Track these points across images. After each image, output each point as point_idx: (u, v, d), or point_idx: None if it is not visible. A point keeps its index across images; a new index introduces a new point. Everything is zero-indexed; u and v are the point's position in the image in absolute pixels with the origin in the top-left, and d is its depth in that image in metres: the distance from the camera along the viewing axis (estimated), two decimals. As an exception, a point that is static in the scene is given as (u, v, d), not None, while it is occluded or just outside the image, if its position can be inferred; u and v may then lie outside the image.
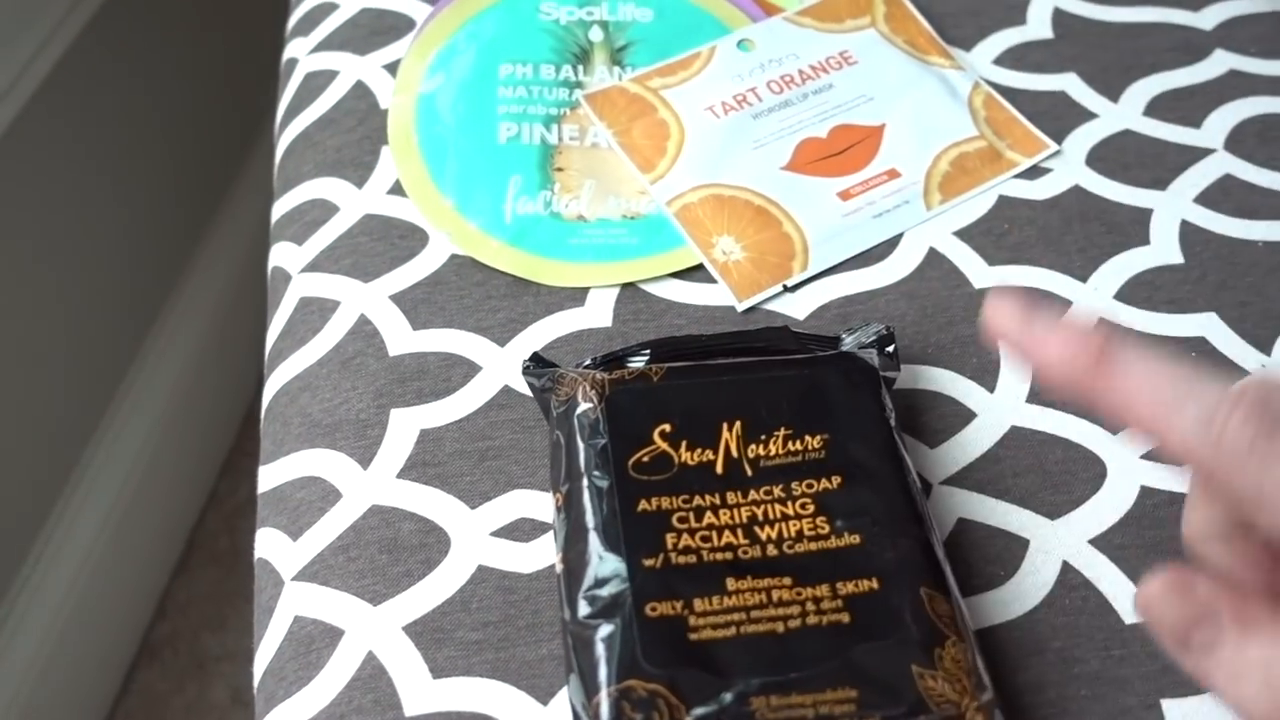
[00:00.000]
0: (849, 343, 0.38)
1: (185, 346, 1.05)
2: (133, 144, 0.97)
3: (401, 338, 0.41)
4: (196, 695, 0.96)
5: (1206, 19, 0.50)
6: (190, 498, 1.07)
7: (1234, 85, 0.48)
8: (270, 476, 0.40)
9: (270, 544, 0.38)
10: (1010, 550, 0.36)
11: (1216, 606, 0.25)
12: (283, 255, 0.46)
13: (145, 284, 1.00)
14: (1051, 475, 0.38)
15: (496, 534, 0.37)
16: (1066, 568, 0.35)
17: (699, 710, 0.28)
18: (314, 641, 0.35)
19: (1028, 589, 0.35)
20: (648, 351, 0.37)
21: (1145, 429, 0.24)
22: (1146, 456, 0.38)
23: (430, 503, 0.37)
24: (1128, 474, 0.37)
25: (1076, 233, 0.43)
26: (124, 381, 0.98)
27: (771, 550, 0.31)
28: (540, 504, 0.37)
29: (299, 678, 0.35)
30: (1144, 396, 0.24)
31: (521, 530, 0.37)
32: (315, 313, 0.43)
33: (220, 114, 1.09)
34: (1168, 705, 0.33)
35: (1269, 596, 0.25)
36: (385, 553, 0.36)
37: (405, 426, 0.39)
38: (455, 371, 0.40)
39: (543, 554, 0.36)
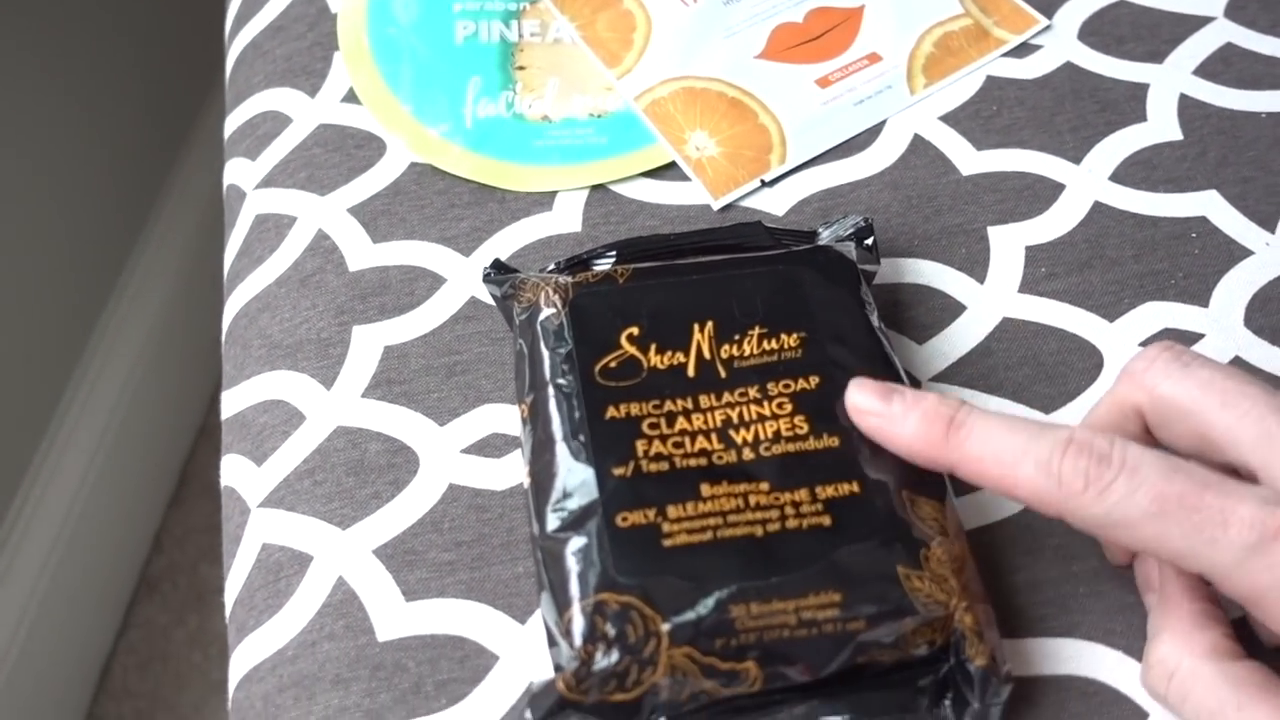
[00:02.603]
0: (826, 236, 0.36)
1: (165, 278, 1.03)
2: (99, 71, 0.94)
3: (361, 252, 0.39)
4: (197, 627, 0.96)
5: (1205, -121, 0.47)
6: (180, 431, 1.06)
7: (1234, -52, 0.45)
8: (232, 401, 0.38)
9: (235, 471, 0.37)
10: (1003, 446, 0.34)
11: (1156, 583, 0.30)
12: (236, 172, 0.44)
13: (121, 211, 0.98)
14: (1046, 367, 0.36)
15: (467, 451, 0.35)
16: (1062, 461, 0.34)
17: (676, 620, 0.27)
18: (282, 569, 0.34)
19: (1022, 485, 0.34)
20: (614, 253, 0.35)
21: (996, 486, 0.28)
22: (1145, 343, 0.36)
23: (397, 421, 0.36)
24: (1126, 362, 0.36)
25: (1069, 112, 0.41)
26: (103, 316, 0.97)
27: (748, 454, 0.30)
28: (512, 418, 0.36)
29: (269, 606, 0.34)
30: (990, 459, 0.27)
31: (493, 446, 0.35)
32: (271, 230, 0.41)
33: (187, 36, 1.05)
34: (1168, 598, 0.32)
35: (1193, 580, 0.29)
36: (352, 475, 0.35)
37: (368, 344, 0.37)
38: (419, 285, 0.39)
39: (515, 470, 0.35)
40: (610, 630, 0.27)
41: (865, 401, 0.29)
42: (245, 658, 0.33)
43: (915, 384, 0.36)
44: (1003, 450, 0.27)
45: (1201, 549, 0.25)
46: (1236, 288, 0.37)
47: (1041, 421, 0.28)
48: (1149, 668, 0.28)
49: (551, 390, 0.31)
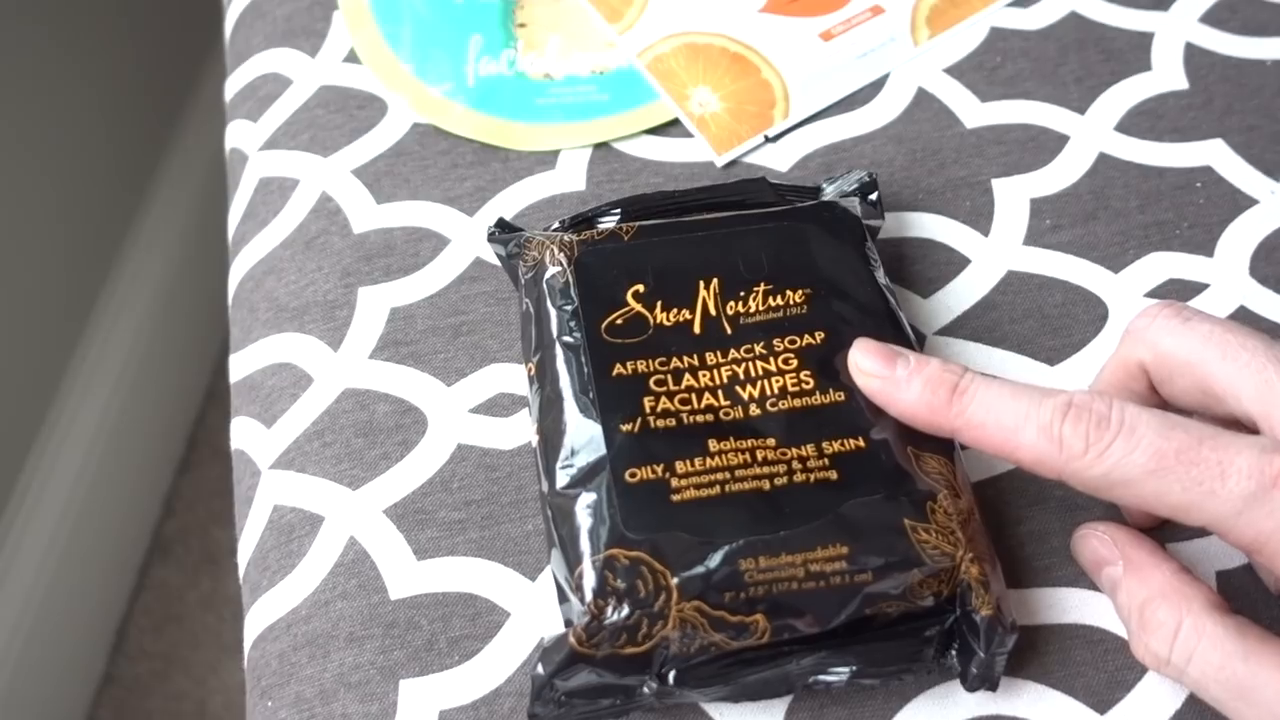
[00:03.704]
0: (830, 192, 0.36)
1: (169, 243, 1.03)
2: (97, 35, 0.93)
3: (366, 213, 0.39)
4: (210, 589, 0.97)
5: None
6: (189, 395, 1.06)
7: (1241, -107, 0.44)
8: (241, 365, 0.38)
9: (245, 433, 0.37)
10: (1008, 398, 0.35)
11: (1113, 554, 0.30)
12: (238, 135, 0.44)
13: (124, 177, 0.98)
14: (1051, 319, 0.36)
15: (475, 410, 0.35)
16: (1067, 413, 0.34)
17: (685, 574, 0.27)
18: (294, 530, 0.34)
19: (1027, 437, 0.34)
20: (618, 211, 0.35)
21: (999, 451, 0.28)
22: (1151, 294, 0.36)
23: (405, 382, 0.36)
24: (1131, 312, 0.36)
25: (1073, 62, 0.41)
26: (109, 281, 0.97)
27: (754, 410, 0.30)
28: (519, 378, 0.36)
29: (282, 566, 0.34)
30: (992, 425, 0.28)
31: (501, 405, 0.35)
32: (275, 193, 0.41)
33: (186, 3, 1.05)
34: (1171, 549, 0.32)
35: (1153, 545, 0.30)
36: (361, 436, 0.35)
37: (374, 305, 0.38)
38: (423, 245, 0.39)
39: (523, 428, 0.35)
40: (620, 585, 0.28)
41: (869, 364, 0.30)
42: (260, 617, 0.34)
43: (920, 339, 0.36)
44: (1005, 416, 0.27)
45: (1201, 501, 0.26)
46: (1242, 237, 0.37)
47: (1042, 387, 0.28)
48: (1149, 633, 0.28)
49: (558, 348, 0.31)
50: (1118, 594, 0.29)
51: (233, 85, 0.45)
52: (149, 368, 0.99)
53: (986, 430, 0.28)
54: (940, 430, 0.29)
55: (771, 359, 0.31)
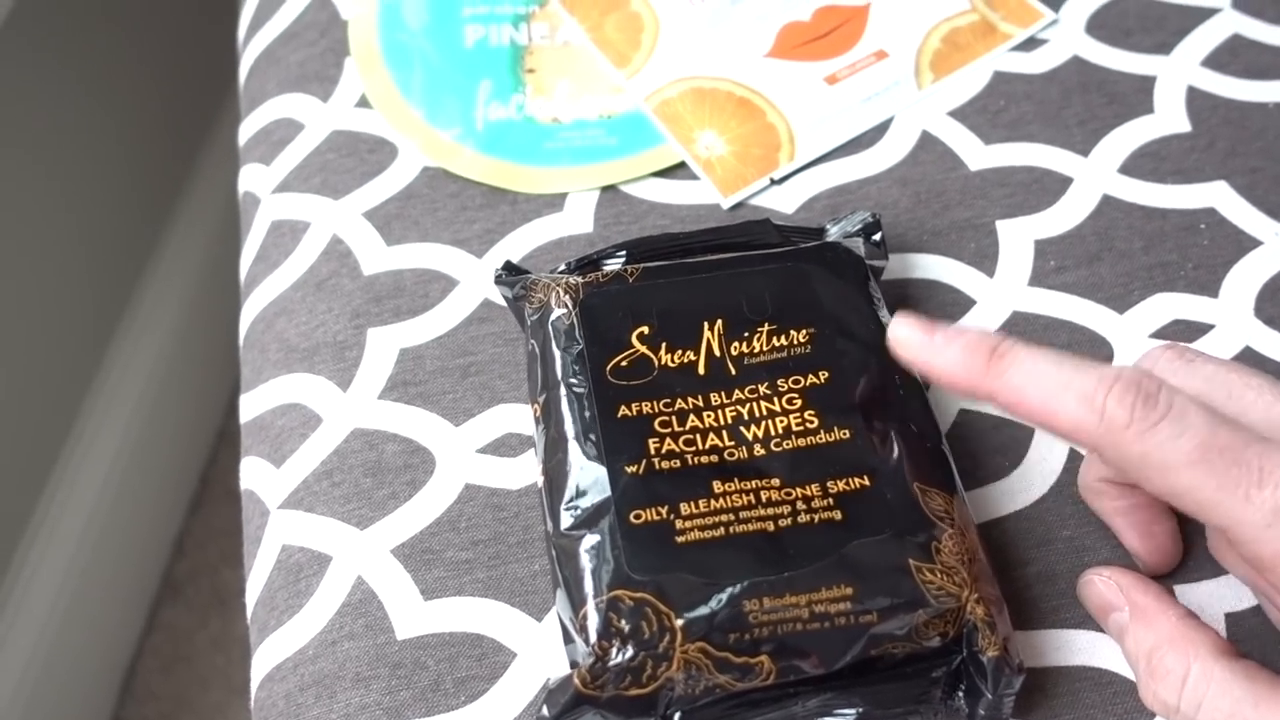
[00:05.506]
0: (834, 233, 0.36)
1: (182, 284, 1.04)
2: (114, 81, 0.95)
3: (376, 255, 0.40)
4: (220, 630, 0.97)
5: None
6: (200, 436, 1.07)
7: (1241, -61, 0.45)
8: (251, 405, 0.39)
9: (254, 473, 0.37)
10: (1015, 439, 0.35)
11: (1119, 599, 0.29)
12: (251, 178, 0.44)
13: (138, 219, 0.99)
14: (1056, 360, 0.36)
15: (483, 451, 0.36)
16: (1075, 454, 0.34)
17: (689, 615, 0.27)
18: (302, 569, 0.35)
19: (1035, 478, 0.34)
20: (624, 253, 0.35)
21: (1036, 418, 0.27)
22: (1156, 335, 0.36)
23: (413, 422, 0.36)
24: (1136, 353, 0.36)
25: (1076, 105, 0.41)
26: (122, 322, 0.97)
27: (759, 450, 0.30)
28: (527, 417, 0.36)
29: (289, 606, 0.34)
30: (1032, 389, 0.27)
31: (508, 445, 0.36)
32: (287, 235, 0.41)
33: (200, 45, 1.06)
34: (1180, 590, 0.32)
35: (1159, 589, 0.30)
36: (370, 476, 0.35)
37: (384, 346, 0.38)
38: (432, 287, 0.39)
39: (531, 468, 0.35)
40: (625, 626, 0.28)
41: (907, 333, 0.29)
42: (267, 657, 0.34)
43: (924, 381, 0.36)
44: (1046, 381, 0.26)
45: (1233, 504, 0.25)
46: (1246, 278, 0.37)
47: (1088, 358, 0.27)
48: (1157, 680, 0.28)
49: (563, 390, 0.32)
50: (1125, 640, 0.29)
51: (246, 130, 0.46)
52: (162, 408, 1.00)
53: (1024, 394, 0.27)
54: (977, 394, 0.28)
55: (776, 399, 0.31)
